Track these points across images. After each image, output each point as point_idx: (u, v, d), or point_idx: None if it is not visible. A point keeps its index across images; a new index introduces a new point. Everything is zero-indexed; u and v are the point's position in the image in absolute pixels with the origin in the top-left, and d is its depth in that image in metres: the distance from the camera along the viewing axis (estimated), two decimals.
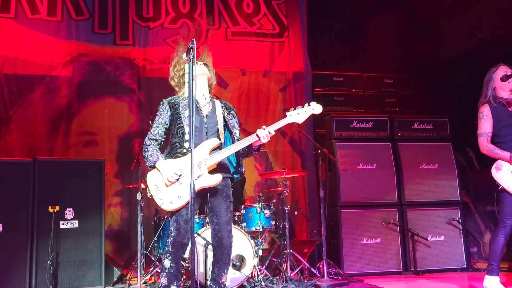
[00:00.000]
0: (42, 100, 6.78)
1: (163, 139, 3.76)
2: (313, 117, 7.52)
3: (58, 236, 4.92)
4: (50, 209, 4.93)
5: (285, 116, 3.71)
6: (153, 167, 3.63)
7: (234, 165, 3.87)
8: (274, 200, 5.82)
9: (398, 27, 8.32)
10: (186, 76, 3.66)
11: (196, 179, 3.50)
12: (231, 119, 3.89)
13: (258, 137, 3.61)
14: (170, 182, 3.53)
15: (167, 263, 3.54)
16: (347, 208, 6.06)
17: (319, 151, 5.56)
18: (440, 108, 7.52)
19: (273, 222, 5.48)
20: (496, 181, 4.36)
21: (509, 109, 4.36)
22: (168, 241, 3.59)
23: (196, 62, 3.66)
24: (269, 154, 7.54)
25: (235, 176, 3.85)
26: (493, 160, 4.43)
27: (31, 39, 6.82)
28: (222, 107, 3.88)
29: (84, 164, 5.40)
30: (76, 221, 5.06)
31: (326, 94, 7.73)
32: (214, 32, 7.57)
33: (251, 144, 3.66)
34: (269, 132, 3.61)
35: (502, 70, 4.42)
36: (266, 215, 5.40)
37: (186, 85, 3.67)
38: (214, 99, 3.89)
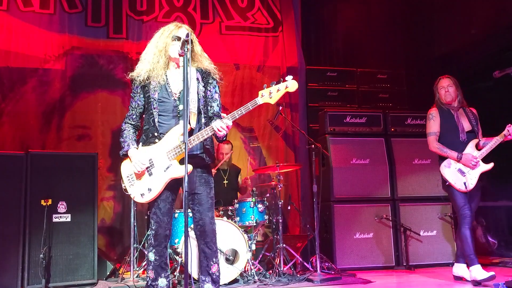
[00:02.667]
0: (34, 93, 6.73)
1: (138, 123, 3.66)
2: (307, 112, 7.66)
3: (50, 230, 4.89)
4: (42, 202, 4.90)
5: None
6: (126, 155, 3.55)
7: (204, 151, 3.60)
8: (268, 195, 5.82)
9: (392, 23, 8.34)
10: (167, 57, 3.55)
11: (165, 170, 3.45)
12: (210, 90, 3.64)
13: (214, 130, 3.34)
14: (138, 172, 3.46)
15: (151, 256, 3.53)
16: (340, 203, 6.08)
17: (313, 146, 5.57)
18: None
19: (266, 217, 5.49)
20: (444, 177, 4.75)
21: (453, 114, 4.87)
22: (150, 234, 3.56)
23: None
24: (263, 149, 7.54)
25: (208, 161, 3.62)
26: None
27: (24, 32, 6.77)
28: (198, 79, 3.60)
29: (77, 157, 5.36)
30: (69, 215, 5.03)
31: (320, 89, 7.73)
32: (208, 26, 7.55)
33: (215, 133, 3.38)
34: (227, 126, 3.33)
35: (441, 83, 5.04)
36: (260, 210, 5.41)
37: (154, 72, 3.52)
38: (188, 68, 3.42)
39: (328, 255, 5.78)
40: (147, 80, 3.56)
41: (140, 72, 3.58)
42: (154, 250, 3.53)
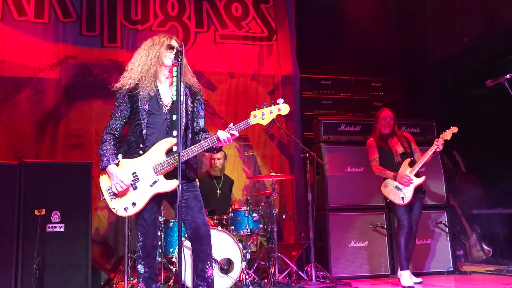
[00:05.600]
0: (29, 103, 6.72)
1: (121, 133, 3.55)
2: (301, 120, 7.67)
3: (44, 240, 4.85)
4: (36, 212, 4.88)
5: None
6: (103, 170, 3.45)
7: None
8: (262, 203, 5.82)
9: (386, 31, 8.38)
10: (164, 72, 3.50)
11: (151, 185, 3.39)
12: (196, 107, 3.62)
13: (219, 139, 3.37)
14: (117, 192, 3.37)
15: (140, 268, 3.48)
16: (335, 211, 6.08)
17: (307, 154, 5.58)
18: (427, 112, 7.59)
19: (261, 225, 5.47)
20: (385, 195, 5.50)
21: (387, 140, 5.55)
22: (138, 246, 3.50)
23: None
24: (257, 157, 7.54)
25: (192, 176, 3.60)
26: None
27: (18, 41, 6.76)
28: (186, 94, 3.57)
29: (71, 167, 5.35)
30: (63, 225, 5.00)
31: (314, 98, 7.75)
32: (202, 35, 7.57)
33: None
34: (231, 135, 3.38)
35: (383, 114, 5.62)
36: (254, 218, 5.39)
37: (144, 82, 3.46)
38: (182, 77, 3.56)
39: (323, 263, 5.77)
40: (135, 89, 3.48)
41: (127, 81, 3.49)
42: (143, 262, 3.48)
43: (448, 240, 6.21)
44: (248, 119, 3.42)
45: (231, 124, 3.44)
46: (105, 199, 3.49)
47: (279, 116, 3.49)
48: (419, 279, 5.39)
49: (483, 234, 6.97)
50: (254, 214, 5.39)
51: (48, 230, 4.93)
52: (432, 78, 8.29)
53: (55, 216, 4.98)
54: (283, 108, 3.43)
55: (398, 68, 8.37)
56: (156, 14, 7.41)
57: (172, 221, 5.15)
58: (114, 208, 3.43)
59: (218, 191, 6.15)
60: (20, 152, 6.48)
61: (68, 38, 6.98)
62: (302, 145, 5.83)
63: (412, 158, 5.44)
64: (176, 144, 3.20)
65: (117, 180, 3.38)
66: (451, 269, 6.10)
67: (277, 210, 5.58)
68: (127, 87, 3.49)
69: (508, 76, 4.32)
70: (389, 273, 6.01)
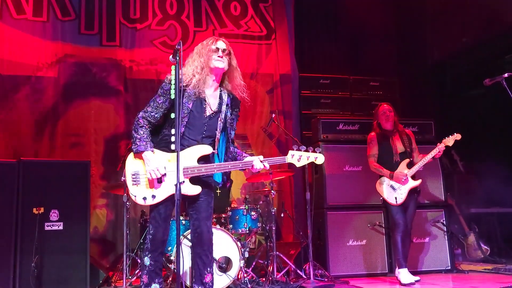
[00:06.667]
0: (27, 101, 6.72)
1: (157, 123, 3.52)
2: (300, 119, 7.68)
3: (42, 238, 4.86)
4: (34, 211, 4.88)
5: (286, 154, 3.57)
6: (138, 152, 3.43)
7: (219, 180, 3.71)
8: (261, 202, 5.84)
9: (385, 31, 8.39)
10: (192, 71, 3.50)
11: (175, 184, 3.41)
12: (233, 119, 3.69)
13: (252, 166, 3.50)
14: (151, 178, 3.39)
15: (146, 261, 3.49)
16: (333, 210, 6.08)
17: None
18: (425, 111, 7.60)
19: (259, 224, 5.48)
20: (379, 193, 5.46)
21: (389, 137, 5.48)
22: (147, 238, 3.52)
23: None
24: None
25: (218, 186, 3.75)
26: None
27: (17, 40, 6.76)
28: (228, 104, 3.62)
29: (70, 165, 5.35)
30: (61, 223, 5.00)
31: (313, 97, 7.76)
32: (201, 34, 7.56)
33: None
34: (264, 166, 3.51)
35: (382, 108, 5.58)
36: (253, 217, 5.40)
37: (195, 78, 3.46)
38: (222, 92, 3.62)
39: (321, 262, 5.78)
40: (184, 86, 3.45)
41: (181, 75, 3.38)
42: (150, 255, 3.50)
43: (446, 239, 6.22)
44: (285, 157, 3.58)
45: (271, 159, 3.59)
46: (126, 182, 3.48)
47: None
48: (417, 278, 5.37)
49: (481, 233, 6.98)
50: (253, 213, 5.40)
51: (46, 228, 4.93)
52: (430, 77, 8.30)
53: (54, 215, 4.98)
54: (320, 158, 3.61)
55: (396, 68, 8.38)
56: (155, 13, 7.42)
57: (171, 220, 5.15)
58: (134, 195, 3.43)
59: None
60: (19, 150, 6.49)
61: (67, 36, 6.99)
62: (301, 144, 5.82)
63: (411, 159, 5.41)
64: (174, 142, 3.20)
65: (154, 167, 3.37)
66: (449, 267, 6.11)
67: (275, 208, 5.59)
68: (183, 82, 3.45)
69: (506, 75, 4.33)
70: (387, 271, 6.01)
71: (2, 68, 6.67)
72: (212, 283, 3.57)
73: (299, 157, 3.56)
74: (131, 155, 3.48)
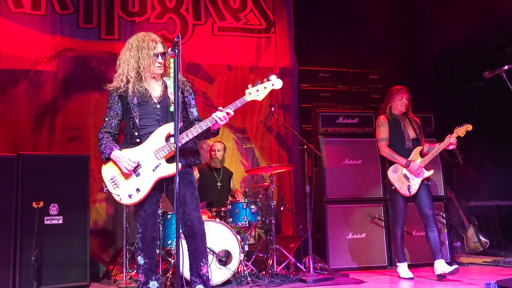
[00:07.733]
0: (26, 95, 6.71)
1: (117, 131, 3.64)
2: (299, 113, 7.68)
3: (42, 232, 4.86)
4: (34, 205, 4.87)
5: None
6: (108, 159, 3.51)
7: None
8: (260, 196, 5.83)
9: (384, 24, 8.37)
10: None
11: (153, 170, 3.44)
12: (187, 97, 3.70)
13: (215, 119, 3.44)
14: (128, 171, 3.42)
15: (140, 260, 3.51)
16: (333, 203, 6.08)
17: (305, 146, 5.58)
18: (424, 104, 7.58)
19: (259, 218, 5.49)
20: (391, 181, 5.21)
21: (400, 123, 5.29)
22: (137, 237, 3.52)
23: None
24: (256, 150, 7.54)
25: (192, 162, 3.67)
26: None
27: (15, 33, 6.74)
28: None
29: (69, 159, 5.33)
30: (61, 217, 5.00)
31: (312, 90, 7.76)
32: (200, 27, 7.55)
33: (209, 127, 3.50)
34: (227, 113, 3.45)
35: (400, 94, 5.35)
36: (252, 211, 5.40)
37: (130, 84, 3.53)
38: (164, 79, 3.68)
39: (321, 255, 5.79)
40: (124, 89, 3.56)
41: (118, 84, 3.58)
42: (142, 254, 3.51)
43: (446, 231, 6.23)
44: (244, 97, 3.53)
45: (229, 106, 3.51)
46: (108, 189, 3.52)
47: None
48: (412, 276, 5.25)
49: (480, 225, 6.99)
50: (252, 206, 5.40)
51: (46, 222, 4.92)
52: (430, 70, 8.28)
53: (53, 209, 4.98)
54: (276, 82, 3.56)
55: (396, 61, 8.37)
56: (154, 6, 7.39)
57: (170, 213, 5.16)
58: (119, 195, 3.45)
59: (219, 183, 6.17)
60: (18, 144, 6.49)
61: (65, 30, 6.96)
62: (300, 137, 5.83)
63: (423, 147, 5.24)
64: (174, 135, 3.20)
65: (125, 160, 3.43)
66: (449, 260, 6.09)
67: (275, 202, 5.59)
68: (118, 90, 3.57)
69: (506, 67, 4.32)
70: (386, 264, 6.03)
71: (1, 62, 6.64)
72: (209, 274, 3.60)
73: (256, 91, 3.53)
74: (103, 166, 3.56)
